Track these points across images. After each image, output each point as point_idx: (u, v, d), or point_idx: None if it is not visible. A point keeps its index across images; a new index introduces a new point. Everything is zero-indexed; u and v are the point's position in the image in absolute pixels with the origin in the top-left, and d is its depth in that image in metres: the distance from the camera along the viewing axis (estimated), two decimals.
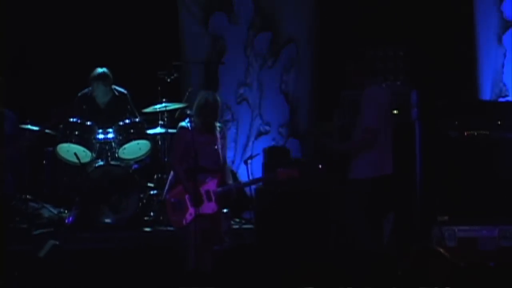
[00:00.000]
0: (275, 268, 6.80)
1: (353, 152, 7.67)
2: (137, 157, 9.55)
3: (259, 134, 10.77)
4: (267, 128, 10.78)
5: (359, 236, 7.55)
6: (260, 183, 9.09)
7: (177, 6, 10.69)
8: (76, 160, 9.20)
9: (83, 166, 9.24)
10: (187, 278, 7.01)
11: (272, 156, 9.76)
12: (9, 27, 10.13)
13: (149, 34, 10.50)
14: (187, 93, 10.11)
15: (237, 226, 9.42)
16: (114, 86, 9.63)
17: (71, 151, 9.27)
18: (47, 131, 8.75)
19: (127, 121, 9.43)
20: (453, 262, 5.72)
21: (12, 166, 9.16)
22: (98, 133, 9.42)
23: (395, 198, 8.24)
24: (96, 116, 9.52)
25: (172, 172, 8.01)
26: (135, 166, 9.60)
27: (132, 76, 10.01)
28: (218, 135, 8.00)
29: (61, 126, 9.25)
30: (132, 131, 9.42)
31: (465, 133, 8.84)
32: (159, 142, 9.73)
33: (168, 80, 9.76)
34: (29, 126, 9.05)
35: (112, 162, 9.39)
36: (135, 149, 9.48)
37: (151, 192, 9.66)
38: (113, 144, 9.44)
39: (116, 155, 9.43)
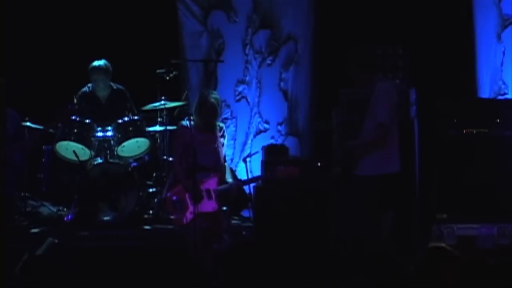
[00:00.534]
0: (275, 267, 6.79)
1: (365, 149, 7.54)
2: (136, 155, 9.55)
3: (258, 132, 10.77)
4: (266, 126, 10.78)
5: (364, 234, 7.49)
6: (260, 181, 9.09)
7: (176, 4, 10.69)
8: (75, 158, 9.20)
9: (82, 164, 9.23)
10: (186, 276, 7.00)
11: (271, 154, 9.76)
12: (9, 27, 10.12)
13: (148, 32, 10.49)
14: (186, 92, 10.10)
15: (236, 223, 9.42)
16: (112, 84, 9.64)
17: (70, 149, 9.27)
18: (51, 130, 8.76)
19: (126, 119, 9.43)
20: (463, 261, 5.71)
21: (11, 164, 9.18)
22: (97, 131, 9.42)
23: (400, 196, 8.22)
24: (97, 111, 9.53)
25: (172, 171, 8.02)
26: (134, 164, 9.60)
27: (131, 74, 10.02)
28: (217, 133, 8.01)
29: (60, 124, 9.25)
30: (131, 129, 9.42)
31: (464, 131, 8.83)
32: (158, 140, 9.74)
33: (167, 78, 9.75)
34: (30, 124, 9.06)
35: (111, 160, 9.39)
36: (134, 147, 9.49)
37: (150, 190, 9.67)
38: (112, 142, 9.45)
39: (115, 153, 9.43)
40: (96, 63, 9.52)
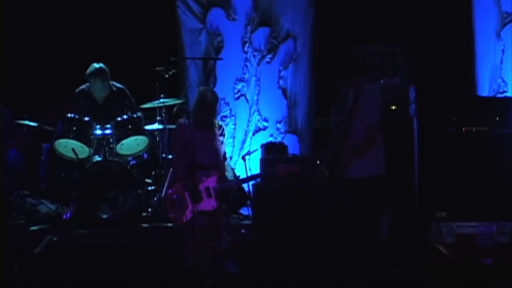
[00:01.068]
0: (274, 265, 6.79)
1: (355, 151, 7.44)
2: (134, 153, 9.53)
3: (257, 130, 10.76)
4: (265, 123, 10.77)
5: (359, 235, 7.46)
6: (258, 179, 9.08)
7: (175, 2, 10.68)
8: (73, 156, 9.19)
9: (80, 162, 9.22)
10: (185, 275, 7.00)
11: (270, 152, 9.76)
12: (8, 26, 10.11)
13: (147, 30, 10.48)
14: (185, 89, 10.09)
15: (235, 221, 9.42)
16: (112, 82, 9.62)
17: (69, 146, 9.26)
18: (46, 127, 8.74)
19: (125, 116, 9.41)
20: (450, 258, 5.72)
21: (9, 162, 9.17)
22: (96, 129, 9.41)
23: (395, 194, 8.21)
24: (94, 111, 9.51)
25: (171, 169, 8.01)
26: (133, 162, 9.59)
27: (130, 72, 10.01)
28: (217, 131, 8.00)
29: (59, 121, 9.24)
30: (129, 126, 9.40)
31: (463, 129, 8.83)
32: (157, 138, 9.73)
33: (166, 76, 9.74)
34: (27, 122, 9.03)
35: (110, 158, 9.39)
36: (132, 145, 9.47)
37: (149, 188, 9.66)
38: (110, 139, 9.44)
39: (114, 151, 9.41)
40: (91, 67, 9.44)
